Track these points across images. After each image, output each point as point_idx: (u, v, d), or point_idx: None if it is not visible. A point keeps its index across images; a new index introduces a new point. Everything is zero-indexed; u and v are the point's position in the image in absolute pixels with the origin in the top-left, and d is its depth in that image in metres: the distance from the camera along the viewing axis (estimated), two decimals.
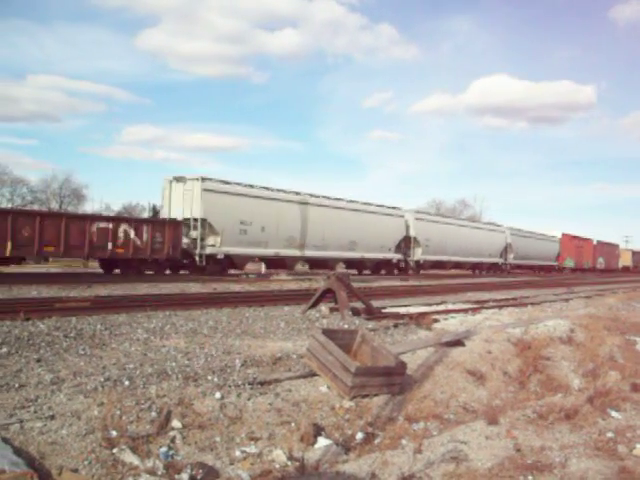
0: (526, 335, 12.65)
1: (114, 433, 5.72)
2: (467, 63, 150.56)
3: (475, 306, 19.05)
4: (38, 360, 8.26)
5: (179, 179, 29.46)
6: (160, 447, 5.82)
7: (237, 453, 6.15)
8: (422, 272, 43.95)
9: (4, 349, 8.75)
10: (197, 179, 28.90)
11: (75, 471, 5.22)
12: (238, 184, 31.33)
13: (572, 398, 8.95)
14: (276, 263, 33.76)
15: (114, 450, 5.55)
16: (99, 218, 25.59)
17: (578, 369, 11.59)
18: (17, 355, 8.52)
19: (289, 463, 6.05)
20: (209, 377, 7.73)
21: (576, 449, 6.57)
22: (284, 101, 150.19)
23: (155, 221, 27.37)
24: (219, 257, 29.31)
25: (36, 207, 66.24)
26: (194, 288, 21.17)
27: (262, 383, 7.79)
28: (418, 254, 43.43)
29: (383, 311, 15.39)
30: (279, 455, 6.18)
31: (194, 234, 28.25)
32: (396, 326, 13.14)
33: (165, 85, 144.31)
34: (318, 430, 6.86)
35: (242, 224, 30.31)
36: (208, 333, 11.01)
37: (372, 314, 14.32)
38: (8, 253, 21.48)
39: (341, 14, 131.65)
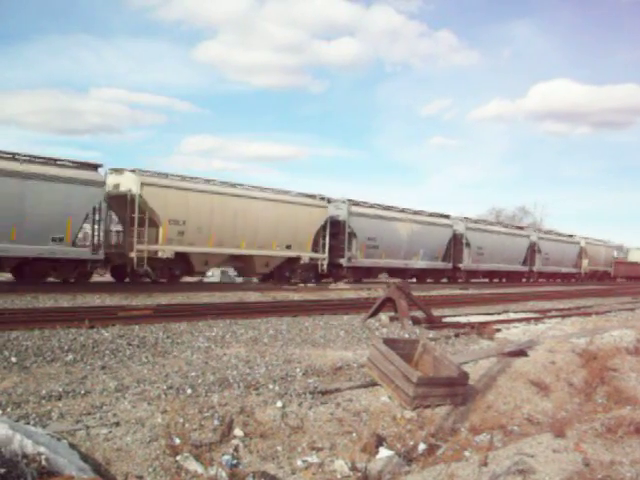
0: (591, 345, 12.29)
1: (177, 441, 5.76)
2: (527, 68, 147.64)
3: (537, 315, 18.66)
4: (103, 367, 8.42)
5: None
6: (223, 455, 5.84)
7: (299, 463, 6.12)
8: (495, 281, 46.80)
9: (70, 356, 8.95)
10: None
11: (140, 478, 5.28)
12: None
13: None
14: None
15: (178, 457, 5.58)
16: None
17: None
18: (82, 362, 8.71)
19: (351, 474, 5.98)
20: (270, 386, 7.74)
21: None
22: (342, 110, 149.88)
23: None
24: None
25: None
26: (253, 297, 21.31)
27: (323, 392, 7.76)
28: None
29: (443, 320, 15.21)
30: (341, 465, 6.12)
31: None
32: (457, 335, 12.97)
33: (223, 96, 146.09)
34: (380, 440, 6.78)
35: None
36: (268, 342, 11.05)
37: (433, 323, 14.18)
38: None
39: (400, 22, 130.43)
